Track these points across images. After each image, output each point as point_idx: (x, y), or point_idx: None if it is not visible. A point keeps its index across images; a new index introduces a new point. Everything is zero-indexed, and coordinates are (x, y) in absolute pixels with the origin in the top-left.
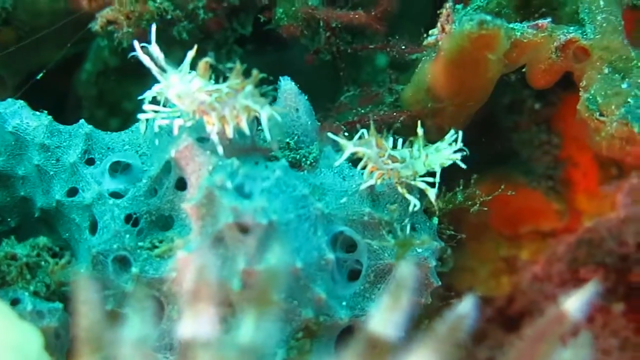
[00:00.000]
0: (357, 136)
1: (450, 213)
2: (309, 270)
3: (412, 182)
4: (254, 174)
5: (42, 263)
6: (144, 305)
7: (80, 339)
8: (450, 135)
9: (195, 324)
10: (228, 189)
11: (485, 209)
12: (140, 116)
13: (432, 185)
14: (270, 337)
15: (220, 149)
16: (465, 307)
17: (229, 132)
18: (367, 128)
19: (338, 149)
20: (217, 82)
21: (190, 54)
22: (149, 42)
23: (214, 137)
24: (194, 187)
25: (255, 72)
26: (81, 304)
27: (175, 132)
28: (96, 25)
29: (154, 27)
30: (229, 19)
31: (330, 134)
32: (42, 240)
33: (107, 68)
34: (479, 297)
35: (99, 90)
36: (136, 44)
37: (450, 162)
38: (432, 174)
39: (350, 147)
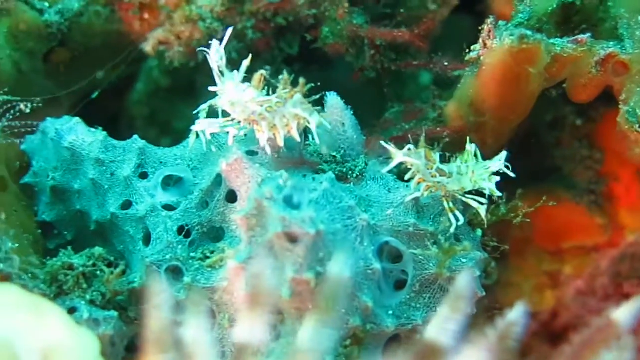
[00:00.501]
0: (406, 148)
1: (495, 228)
2: (356, 280)
3: (462, 198)
4: (302, 185)
5: (98, 272)
6: (200, 310)
7: (149, 340)
8: (498, 157)
9: (250, 330)
10: (277, 200)
11: (528, 220)
12: (193, 127)
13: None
14: (328, 344)
15: (269, 151)
16: (515, 315)
17: (280, 140)
18: (413, 143)
19: (384, 162)
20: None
21: (246, 62)
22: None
23: (264, 144)
24: (244, 199)
25: (302, 80)
26: (153, 307)
27: (230, 141)
28: (148, 46)
29: (230, 30)
30: (277, 39)
31: (382, 142)
32: (98, 250)
33: (159, 88)
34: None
35: (150, 110)
36: (214, 42)
37: (495, 181)
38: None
39: (399, 156)
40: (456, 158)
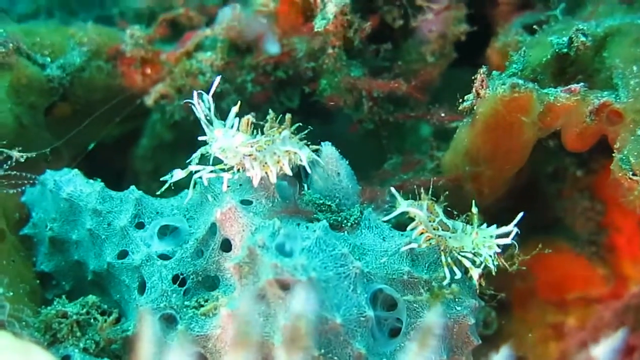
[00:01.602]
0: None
1: (496, 278)
2: (349, 327)
3: (458, 256)
4: (295, 233)
5: (92, 321)
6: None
7: None
8: (506, 227)
9: None
10: (269, 247)
11: (524, 268)
12: (190, 167)
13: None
14: None
15: (256, 184)
16: (501, 357)
17: (273, 178)
18: (414, 194)
19: (387, 210)
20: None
21: (234, 109)
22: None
23: (257, 183)
24: (238, 247)
25: (288, 116)
26: (143, 336)
27: (225, 185)
28: (149, 100)
29: (218, 78)
30: (277, 92)
31: (391, 189)
32: (92, 298)
33: (162, 143)
34: None
35: (154, 164)
36: (195, 94)
37: (496, 251)
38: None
39: (404, 205)
40: (462, 217)
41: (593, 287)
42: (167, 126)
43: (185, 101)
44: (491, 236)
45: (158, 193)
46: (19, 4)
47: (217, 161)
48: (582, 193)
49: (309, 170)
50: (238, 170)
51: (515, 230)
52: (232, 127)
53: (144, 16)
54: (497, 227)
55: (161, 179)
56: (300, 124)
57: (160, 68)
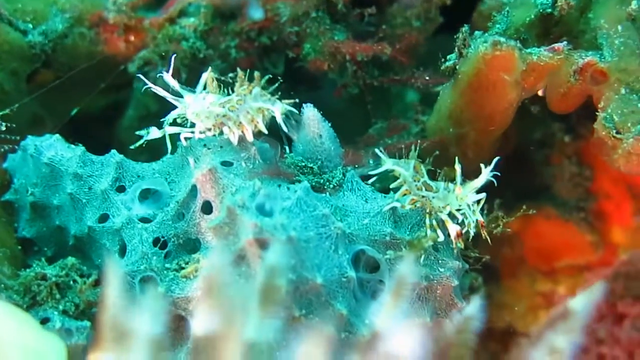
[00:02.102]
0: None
1: (484, 246)
2: (330, 287)
3: (442, 216)
4: (276, 194)
5: (71, 283)
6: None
7: (104, 326)
8: (482, 175)
9: (207, 320)
10: (249, 207)
11: (509, 230)
12: (166, 129)
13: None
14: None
15: (235, 140)
16: (473, 309)
17: (250, 136)
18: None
19: (373, 167)
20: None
21: (205, 75)
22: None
23: (235, 142)
24: (219, 209)
25: (257, 73)
26: (109, 289)
27: (197, 135)
28: (133, 67)
29: (174, 57)
30: (261, 58)
31: (376, 150)
32: (71, 260)
33: (149, 113)
34: (518, 332)
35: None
36: (141, 76)
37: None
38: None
39: (389, 163)
40: (443, 176)
41: (582, 254)
42: (152, 95)
43: (145, 87)
44: (474, 189)
45: (132, 147)
46: None
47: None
48: (570, 159)
49: (283, 127)
50: (215, 131)
51: (491, 173)
52: (201, 91)
53: None
54: (480, 187)
55: (136, 133)
56: (278, 82)
57: (144, 35)
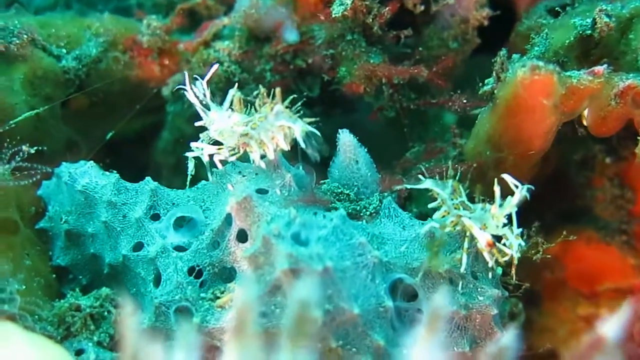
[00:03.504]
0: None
1: (525, 269)
2: (367, 317)
3: (474, 231)
4: (312, 222)
5: (105, 314)
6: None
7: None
8: (517, 192)
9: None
10: (285, 236)
11: (549, 256)
12: (188, 154)
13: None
14: None
15: (263, 165)
16: (508, 339)
17: (271, 154)
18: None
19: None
20: None
21: (232, 92)
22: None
23: (258, 162)
24: (254, 238)
25: (277, 90)
26: (124, 326)
27: (219, 165)
28: (167, 90)
29: (215, 67)
30: (296, 81)
31: (419, 170)
32: (105, 291)
33: (184, 135)
34: (560, 357)
35: (176, 157)
36: (186, 76)
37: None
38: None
39: (428, 182)
40: (481, 197)
41: (625, 277)
42: (186, 118)
43: (177, 87)
44: (510, 209)
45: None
46: None
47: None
48: (611, 181)
49: (302, 145)
50: (239, 151)
51: (525, 188)
52: (227, 108)
53: (162, 6)
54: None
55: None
56: (301, 100)
57: (178, 58)
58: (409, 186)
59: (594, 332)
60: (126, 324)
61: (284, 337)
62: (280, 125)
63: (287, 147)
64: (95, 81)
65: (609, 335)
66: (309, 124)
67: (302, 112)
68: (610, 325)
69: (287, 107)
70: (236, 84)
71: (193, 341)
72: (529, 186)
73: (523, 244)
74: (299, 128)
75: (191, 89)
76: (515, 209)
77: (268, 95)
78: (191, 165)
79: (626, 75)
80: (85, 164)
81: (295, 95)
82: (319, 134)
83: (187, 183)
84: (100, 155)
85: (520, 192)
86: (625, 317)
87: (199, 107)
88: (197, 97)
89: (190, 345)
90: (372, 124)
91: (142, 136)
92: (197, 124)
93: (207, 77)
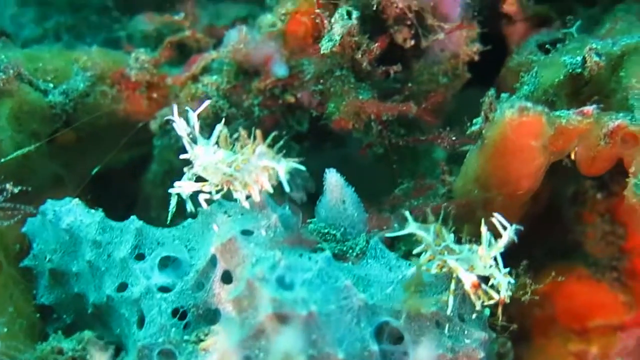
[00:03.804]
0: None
1: (515, 307)
2: None
3: (459, 273)
4: (296, 265)
5: (87, 357)
6: None
7: None
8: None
9: None
10: (269, 280)
11: (537, 298)
12: (171, 190)
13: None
14: None
15: (247, 205)
16: None
17: (256, 195)
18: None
19: (390, 234)
20: None
21: (219, 127)
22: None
23: (245, 203)
24: (238, 279)
25: (258, 132)
26: None
27: (204, 204)
28: (154, 124)
29: (207, 102)
30: (285, 116)
31: (403, 211)
32: (88, 334)
33: (172, 168)
34: None
35: (165, 189)
36: (175, 108)
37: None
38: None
39: (412, 227)
40: (469, 237)
41: (615, 314)
42: (175, 151)
43: (166, 118)
44: (498, 250)
45: (167, 223)
46: (26, 28)
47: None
48: (602, 217)
49: (285, 187)
50: (222, 188)
51: (513, 230)
52: (213, 144)
53: (151, 38)
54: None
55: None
56: (282, 140)
57: (166, 92)
58: (392, 235)
59: None
60: None
61: None
62: (263, 167)
63: (270, 189)
64: (82, 116)
65: None
66: (295, 161)
67: (290, 147)
68: None
69: (269, 146)
70: (223, 120)
71: None
72: (518, 227)
73: (513, 281)
74: (283, 168)
75: (180, 121)
76: (502, 249)
77: (249, 136)
78: (174, 201)
79: (616, 114)
80: (70, 201)
81: (276, 133)
82: (304, 169)
83: (168, 220)
84: (88, 188)
85: (509, 233)
86: None
87: (186, 141)
88: (185, 131)
89: None
90: (362, 159)
91: (131, 168)
92: (182, 156)
93: (198, 111)
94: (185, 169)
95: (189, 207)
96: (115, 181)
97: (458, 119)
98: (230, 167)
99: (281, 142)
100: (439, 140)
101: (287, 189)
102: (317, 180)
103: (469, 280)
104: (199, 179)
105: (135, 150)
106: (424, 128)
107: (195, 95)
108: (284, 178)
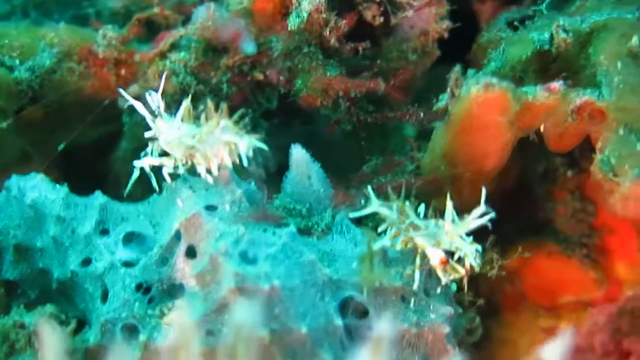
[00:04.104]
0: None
1: (485, 283)
2: (316, 336)
3: (425, 249)
4: (260, 240)
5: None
6: None
7: None
8: (476, 210)
9: None
10: (232, 255)
11: (503, 273)
12: (135, 162)
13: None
14: None
15: (211, 181)
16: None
17: (215, 169)
18: (386, 196)
19: (353, 215)
20: None
21: (185, 103)
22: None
23: (205, 176)
24: (201, 254)
25: (224, 105)
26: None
27: (167, 178)
28: (123, 102)
29: (165, 75)
30: (254, 93)
31: (368, 189)
32: (50, 308)
33: (142, 145)
34: None
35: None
36: (122, 92)
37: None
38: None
39: (375, 205)
40: (435, 213)
41: (585, 291)
42: (144, 127)
43: (127, 104)
44: (465, 230)
45: (125, 194)
46: None
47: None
48: (572, 194)
49: (244, 162)
50: (186, 162)
51: (488, 212)
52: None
53: (120, 15)
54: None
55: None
56: (247, 116)
57: (135, 69)
58: (355, 215)
59: (535, 357)
60: (47, 345)
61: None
62: (226, 141)
63: (229, 164)
64: (49, 92)
65: None
66: (258, 139)
67: (258, 124)
68: (551, 352)
69: (235, 122)
70: (189, 95)
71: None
72: (491, 214)
73: (480, 249)
74: (244, 144)
75: (136, 103)
76: (470, 229)
77: (216, 109)
78: (135, 174)
79: (583, 90)
80: (36, 176)
81: (243, 110)
82: (266, 148)
83: (126, 193)
84: (57, 165)
85: (478, 217)
86: (565, 345)
87: (148, 118)
88: (148, 109)
89: None
90: (331, 136)
91: (100, 145)
92: (146, 134)
93: (161, 89)
94: (150, 144)
95: (154, 182)
96: (84, 159)
97: (428, 96)
98: (193, 139)
99: (247, 119)
100: (407, 117)
101: (245, 163)
102: (285, 157)
103: (436, 257)
104: (165, 155)
105: (104, 127)
106: (393, 105)
107: (162, 72)
108: (243, 153)
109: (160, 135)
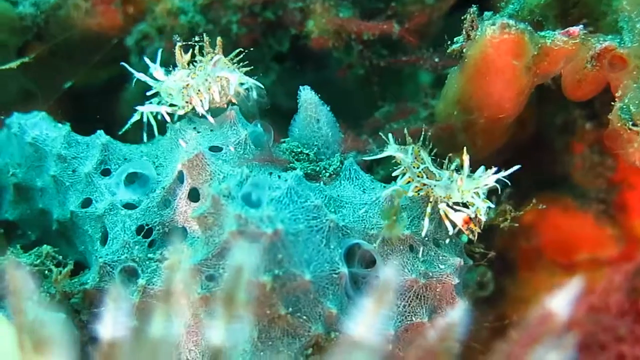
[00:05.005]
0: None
1: (499, 238)
2: (320, 284)
3: (442, 208)
4: (265, 183)
5: (46, 272)
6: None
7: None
8: (489, 172)
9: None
10: (235, 197)
11: (516, 225)
12: (138, 107)
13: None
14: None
15: (211, 118)
16: (456, 315)
17: (205, 105)
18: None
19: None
20: None
21: (177, 50)
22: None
23: (201, 111)
24: (204, 197)
25: (219, 40)
26: (16, 297)
27: (167, 117)
28: (131, 40)
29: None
30: (265, 35)
31: (381, 133)
32: (46, 248)
33: (150, 87)
34: None
35: None
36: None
37: (484, 190)
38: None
39: (391, 149)
40: (450, 164)
41: (602, 248)
42: None
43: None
44: (477, 184)
45: (119, 132)
46: None
47: None
48: (591, 147)
49: (233, 99)
50: (187, 106)
51: (502, 174)
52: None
53: None
54: (480, 185)
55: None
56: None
57: (143, 7)
58: (371, 157)
59: (542, 306)
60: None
61: (218, 303)
62: (217, 76)
63: (218, 99)
64: (54, 29)
65: (559, 313)
66: (252, 76)
67: (269, 67)
68: (560, 301)
69: (231, 60)
70: (178, 43)
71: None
72: (505, 179)
73: (493, 206)
74: (236, 78)
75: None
76: (482, 187)
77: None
78: (135, 117)
79: (603, 37)
80: (37, 114)
81: (241, 49)
82: (261, 85)
83: (122, 131)
84: (65, 106)
85: (492, 176)
86: (574, 292)
87: (146, 77)
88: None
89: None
90: (345, 82)
91: (110, 87)
92: (149, 93)
93: (158, 58)
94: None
95: (155, 128)
96: (93, 100)
97: (444, 43)
98: (187, 78)
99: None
100: (421, 62)
101: (233, 97)
102: (296, 103)
103: (459, 219)
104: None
105: (113, 68)
106: (407, 51)
107: (172, 11)
108: (233, 86)
109: (161, 86)
